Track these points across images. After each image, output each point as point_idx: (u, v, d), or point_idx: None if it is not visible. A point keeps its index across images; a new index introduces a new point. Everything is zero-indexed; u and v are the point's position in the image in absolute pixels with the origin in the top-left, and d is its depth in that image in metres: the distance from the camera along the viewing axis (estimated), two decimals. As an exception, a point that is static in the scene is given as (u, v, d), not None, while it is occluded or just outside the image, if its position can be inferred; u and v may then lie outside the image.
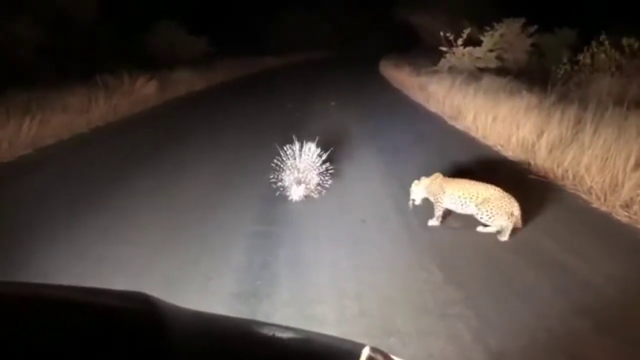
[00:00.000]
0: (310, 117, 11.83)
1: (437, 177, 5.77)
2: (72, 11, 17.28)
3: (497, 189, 5.42)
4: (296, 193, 6.39)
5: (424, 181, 5.83)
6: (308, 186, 6.46)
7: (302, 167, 6.44)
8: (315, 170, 6.51)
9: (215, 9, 30.31)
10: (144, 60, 19.08)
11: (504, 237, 5.28)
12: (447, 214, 5.71)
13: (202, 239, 5.29)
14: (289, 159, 6.48)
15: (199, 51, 23.77)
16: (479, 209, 5.37)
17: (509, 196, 5.35)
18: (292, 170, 6.42)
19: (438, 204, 5.69)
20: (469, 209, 5.50)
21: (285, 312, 3.91)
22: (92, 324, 0.83)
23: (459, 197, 5.52)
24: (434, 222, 5.74)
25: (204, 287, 4.29)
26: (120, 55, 18.90)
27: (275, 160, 6.51)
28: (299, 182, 6.39)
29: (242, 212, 6.09)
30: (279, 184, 6.49)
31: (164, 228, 5.58)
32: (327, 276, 4.50)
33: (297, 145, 6.51)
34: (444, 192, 5.63)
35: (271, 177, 6.55)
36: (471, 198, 5.44)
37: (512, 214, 5.28)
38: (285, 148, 6.55)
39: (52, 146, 9.44)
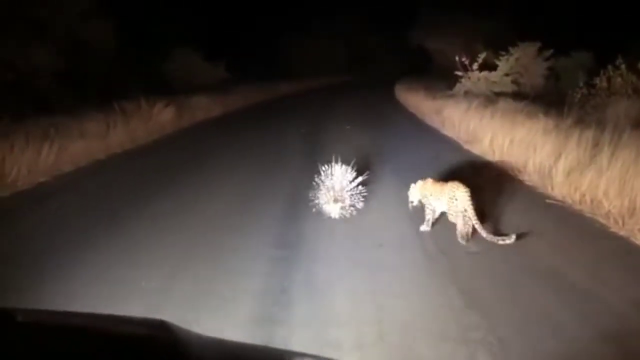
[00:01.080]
0: (326, 142, 11.85)
1: (427, 181, 6.21)
2: (91, 39, 17.51)
3: (458, 184, 5.81)
4: (334, 211, 6.59)
5: (419, 184, 6.22)
6: (343, 204, 6.62)
7: (337, 186, 6.60)
8: (348, 190, 6.66)
9: (231, 35, 30.63)
10: (161, 86, 19.27)
11: (462, 241, 5.69)
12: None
13: (220, 263, 5.28)
14: (325, 178, 6.68)
15: (216, 77, 23.95)
16: (448, 207, 5.86)
17: (460, 190, 5.71)
18: (329, 189, 6.58)
19: (427, 207, 6.16)
20: (443, 207, 5.99)
21: (303, 336, 3.89)
22: (111, 352, 0.83)
23: (432, 196, 6.05)
24: (424, 227, 6.17)
25: (220, 311, 4.29)
26: (138, 81, 19.11)
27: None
28: (336, 201, 6.57)
29: (259, 236, 6.08)
30: (316, 201, 6.68)
31: (181, 252, 5.59)
32: (345, 300, 4.49)
33: (332, 166, 6.69)
34: (430, 195, 6.06)
35: (310, 195, 6.76)
36: (440, 196, 5.93)
37: (464, 210, 5.65)
38: (323, 168, 6.75)
39: (71, 173, 9.51)
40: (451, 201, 5.75)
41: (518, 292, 4.63)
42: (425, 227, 6.17)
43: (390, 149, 11.20)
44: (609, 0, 20.26)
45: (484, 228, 5.60)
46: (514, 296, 4.55)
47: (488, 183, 8.14)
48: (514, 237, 5.51)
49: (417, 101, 19.27)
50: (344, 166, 6.73)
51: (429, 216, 6.14)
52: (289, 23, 37.81)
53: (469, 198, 5.62)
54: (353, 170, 6.75)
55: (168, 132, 14.61)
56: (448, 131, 13.36)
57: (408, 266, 5.21)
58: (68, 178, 9.20)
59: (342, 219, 6.61)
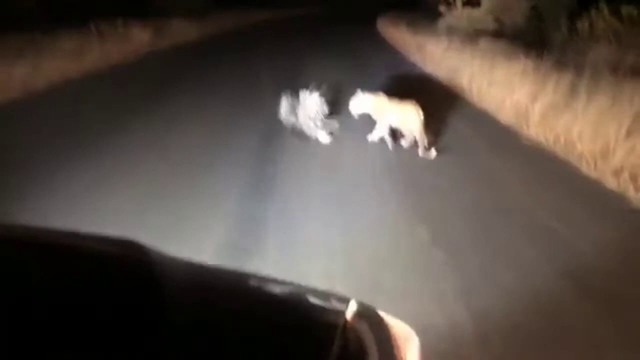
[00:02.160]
0: (304, 73, 11.73)
1: (380, 97, 6.79)
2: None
3: (413, 106, 6.56)
4: (323, 137, 6.94)
5: (369, 97, 6.79)
6: (321, 131, 6.95)
7: (314, 114, 6.83)
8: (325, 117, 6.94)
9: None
10: (139, 9, 18.83)
11: (426, 154, 6.49)
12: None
13: (195, 190, 5.30)
14: (301, 107, 6.85)
15: (196, 2, 23.47)
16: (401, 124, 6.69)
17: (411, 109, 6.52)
18: (307, 116, 6.85)
19: (379, 121, 6.82)
20: (396, 123, 6.74)
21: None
22: (76, 270, 0.83)
23: (387, 112, 6.72)
24: (371, 137, 6.90)
25: (194, 240, 4.32)
26: (116, 2, 18.64)
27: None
28: (320, 127, 6.91)
29: (236, 167, 6.10)
30: (298, 128, 6.96)
31: (156, 178, 5.60)
32: (316, 233, 4.55)
33: (310, 93, 6.86)
34: (385, 110, 6.73)
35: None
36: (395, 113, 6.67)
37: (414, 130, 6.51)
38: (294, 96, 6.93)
39: (44, 91, 9.36)
40: (406, 121, 6.56)
41: (485, 229, 4.73)
42: (372, 137, 6.89)
43: (369, 84, 11.11)
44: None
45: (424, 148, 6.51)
46: (480, 233, 4.65)
47: (464, 120, 8.20)
48: (433, 152, 6.47)
49: (399, 36, 19.02)
50: (319, 95, 6.84)
51: (382, 131, 6.82)
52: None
53: (421, 121, 6.45)
54: (328, 100, 6.92)
55: (144, 54, 14.36)
56: (429, 67, 13.26)
57: (377, 200, 5.29)
58: (41, 95, 9.06)
59: (320, 146, 6.82)
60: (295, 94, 6.87)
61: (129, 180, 5.54)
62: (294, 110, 6.80)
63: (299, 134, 6.87)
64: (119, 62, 12.80)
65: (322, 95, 6.82)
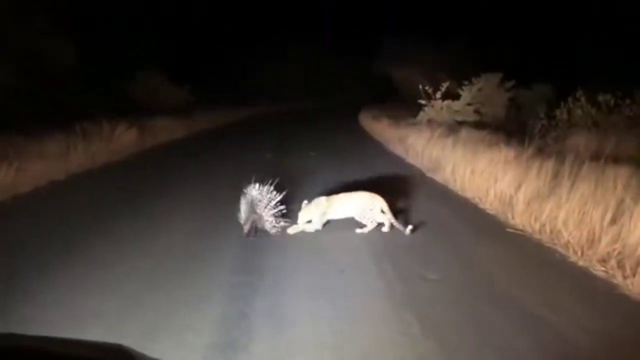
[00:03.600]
0: (291, 168, 11.81)
1: (324, 199, 7.05)
2: (52, 58, 17.29)
3: (366, 193, 7.02)
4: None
5: (316, 202, 7.01)
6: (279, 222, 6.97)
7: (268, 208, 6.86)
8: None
9: (196, 59, 30.61)
10: (124, 108, 19.09)
11: (364, 230, 6.96)
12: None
13: (180, 288, 5.18)
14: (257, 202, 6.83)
15: (180, 99, 23.86)
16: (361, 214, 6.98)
17: (375, 196, 6.96)
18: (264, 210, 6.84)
19: (324, 218, 7.06)
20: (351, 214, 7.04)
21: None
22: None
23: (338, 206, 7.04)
24: (313, 228, 7.04)
25: (181, 337, 4.18)
26: (101, 102, 18.90)
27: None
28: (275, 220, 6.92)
29: (221, 261, 6.00)
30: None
31: (142, 277, 5.48)
32: (305, 327, 4.41)
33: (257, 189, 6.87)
34: (336, 206, 7.04)
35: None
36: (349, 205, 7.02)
37: (381, 211, 6.91)
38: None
39: (30, 193, 9.33)
40: (369, 209, 6.90)
41: (475, 319, 4.60)
42: (312, 228, 7.03)
43: (354, 174, 11.19)
44: (570, 34, 20.79)
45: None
46: (471, 324, 4.52)
47: (449, 210, 8.20)
48: (410, 228, 6.77)
49: (381, 129, 19.33)
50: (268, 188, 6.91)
51: (318, 225, 7.03)
52: (254, 48, 38.01)
53: (373, 207, 6.90)
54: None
55: (130, 154, 14.44)
56: (412, 159, 13.40)
57: (365, 290, 5.22)
58: (27, 198, 9.02)
59: (305, 236, 6.89)
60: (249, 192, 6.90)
61: (114, 279, 5.42)
62: (253, 208, 6.79)
63: (261, 230, 6.90)
64: (105, 161, 12.82)
65: (272, 187, 6.91)
